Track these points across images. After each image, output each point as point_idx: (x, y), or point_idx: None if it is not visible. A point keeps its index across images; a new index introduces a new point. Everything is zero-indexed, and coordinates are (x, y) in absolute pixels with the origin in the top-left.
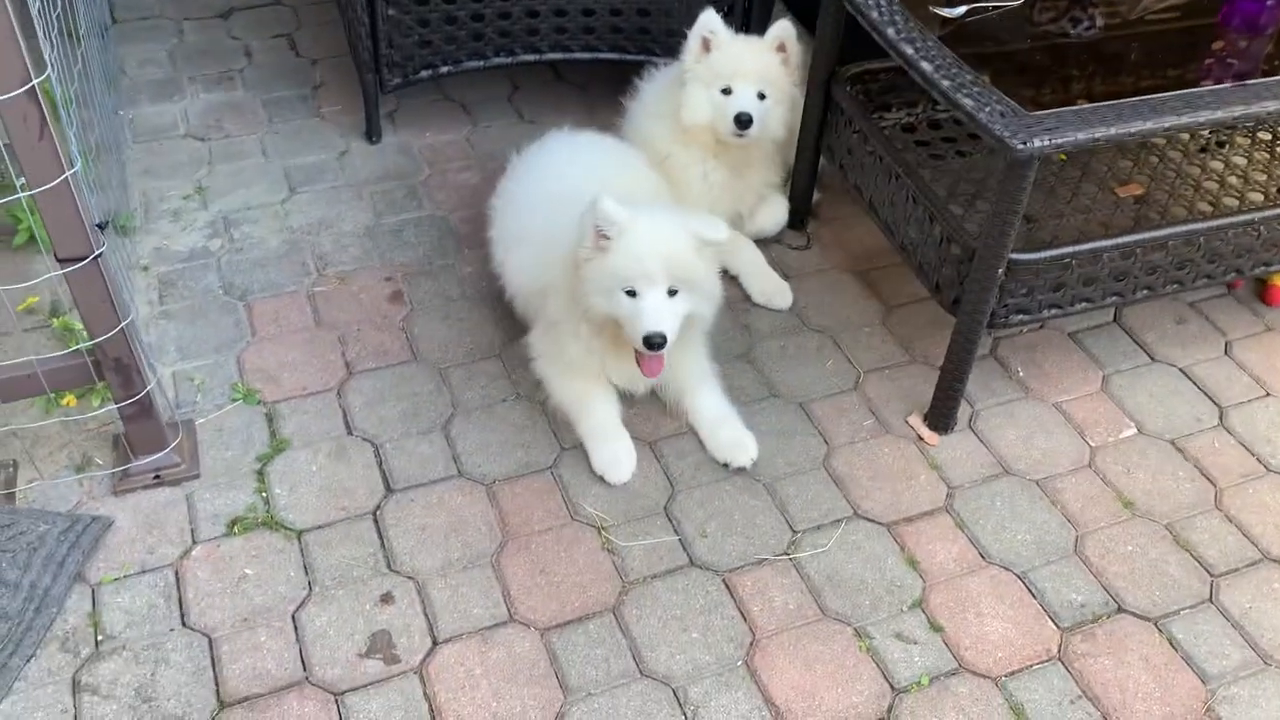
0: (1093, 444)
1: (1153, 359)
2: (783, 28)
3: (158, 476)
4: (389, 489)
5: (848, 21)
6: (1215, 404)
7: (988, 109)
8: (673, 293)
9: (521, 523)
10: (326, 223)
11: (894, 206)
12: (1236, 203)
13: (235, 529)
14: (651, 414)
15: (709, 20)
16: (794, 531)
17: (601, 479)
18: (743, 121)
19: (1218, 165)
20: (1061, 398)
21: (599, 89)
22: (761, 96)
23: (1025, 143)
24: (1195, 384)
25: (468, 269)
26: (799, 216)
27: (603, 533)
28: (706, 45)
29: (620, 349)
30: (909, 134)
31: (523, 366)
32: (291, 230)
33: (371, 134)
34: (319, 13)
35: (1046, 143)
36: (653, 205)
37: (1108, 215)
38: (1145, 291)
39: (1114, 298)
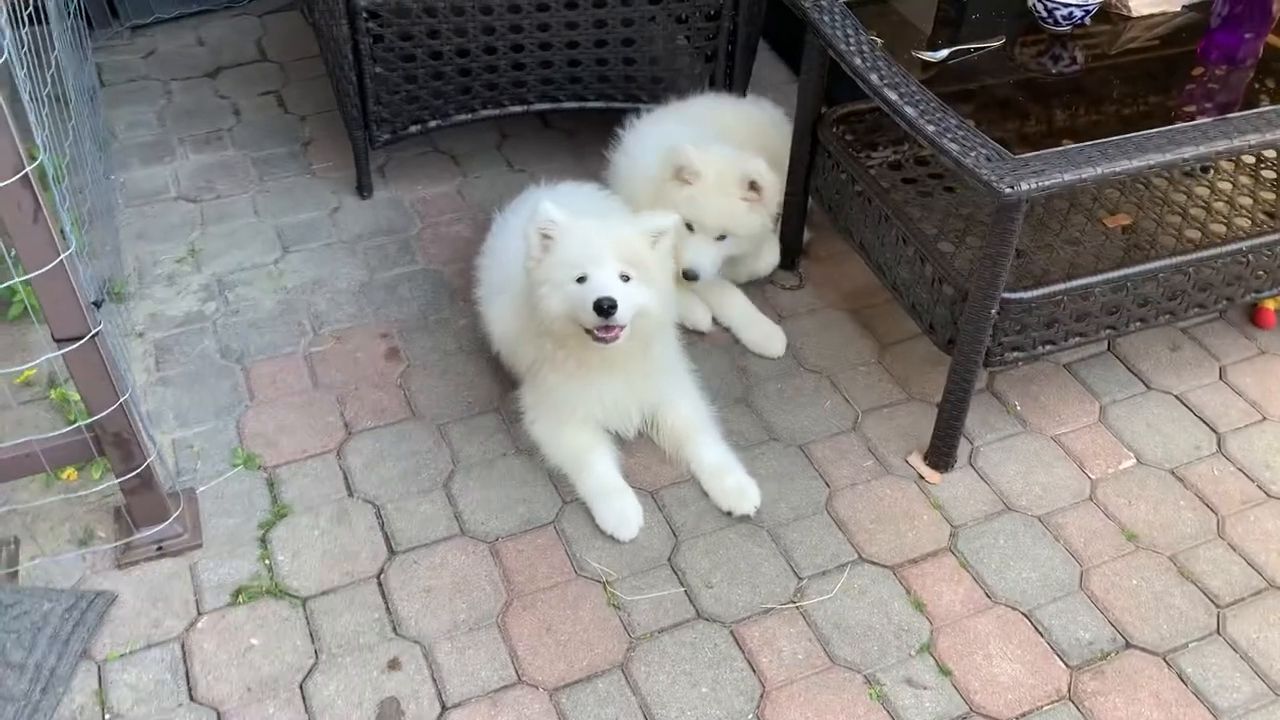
0: (1093, 476)
1: (1148, 387)
2: (754, 167)
3: (160, 548)
4: (392, 551)
5: (831, 64)
6: (1213, 430)
7: (973, 154)
8: (625, 279)
9: (526, 580)
10: (321, 281)
11: (884, 247)
12: (1224, 229)
13: (240, 598)
14: (650, 462)
15: (682, 151)
16: (799, 579)
17: (611, 538)
18: (690, 277)
19: (1203, 191)
20: (1059, 430)
21: (587, 134)
22: (722, 238)
23: (1013, 187)
24: (1192, 411)
25: (463, 322)
26: (790, 256)
27: (608, 588)
28: (682, 176)
29: (600, 373)
30: (896, 171)
31: (521, 418)
32: (286, 290)
33: (362, 189)
34: (306, 69)
35: (1034, 186)
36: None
37: (1098, 247)
38: (1138, 323)
39: (1107, 330)
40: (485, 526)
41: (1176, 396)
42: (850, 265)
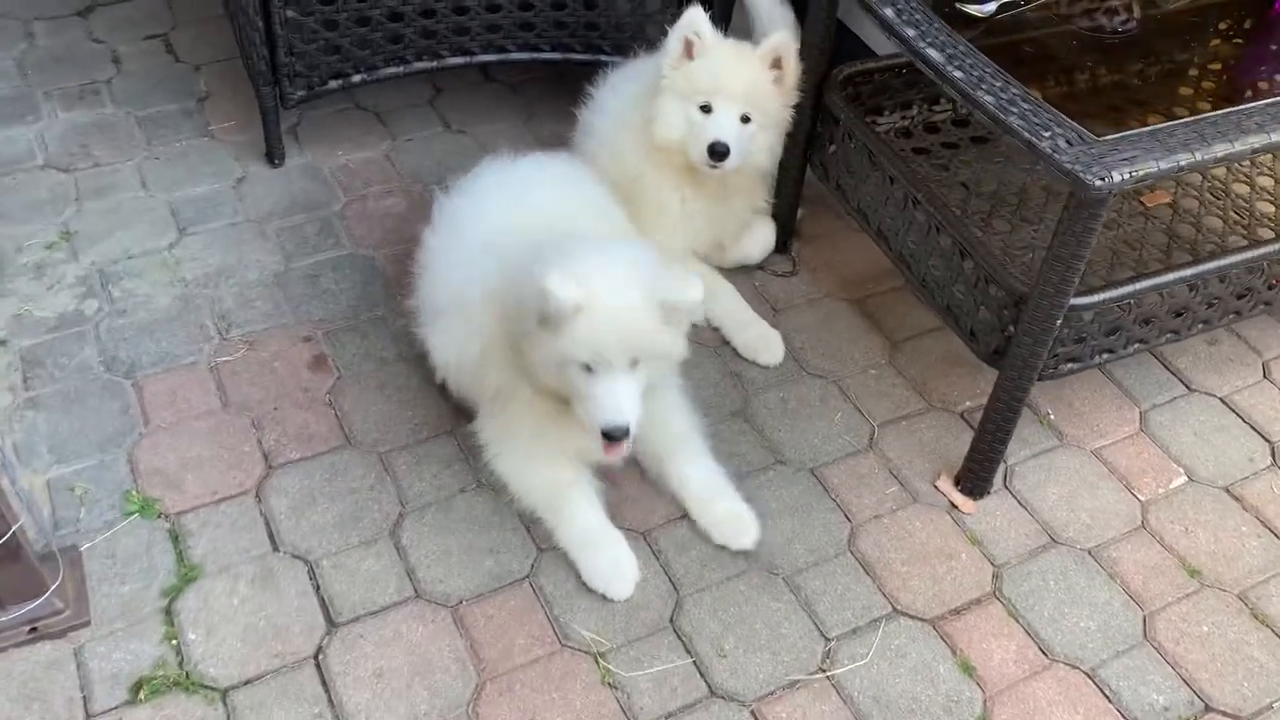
0: (1142, 498)
1: (1189, 388)
2: (781, 40)
3: (34, 629)
4: (331, 623)
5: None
6: (1264, 439)
7: (1049, 136)
8: (634, 363)
9: (500, 655)
10: (226, 271)
11: (909, 236)
12: (1272, 208)
13: (141, 694)
14: (640, 496)
15: (695, 19)
16: (826, 639)
17: (602, 596)
18: (717, 152)
19: (1241, 165)
20: (1099, 442)
21: (535, 89)
22: (746, 119)
23: (1103, 178)
24: (1240, 416)
25: (402, 321)
26: (783, 238)
27: (600, 661)
28: (689, 50)
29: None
30: (905, 139)
31: (482, 452)
32: (184, 283)
33: (273, 155)
34: (199, 6)
35: (1127, 175)
36: (610, 258)
37: (1139, 231)
38: (1201, 325)
39: (1169, 335)
40: (445, 585)
41: (1221, 399)
42: (847, 244)
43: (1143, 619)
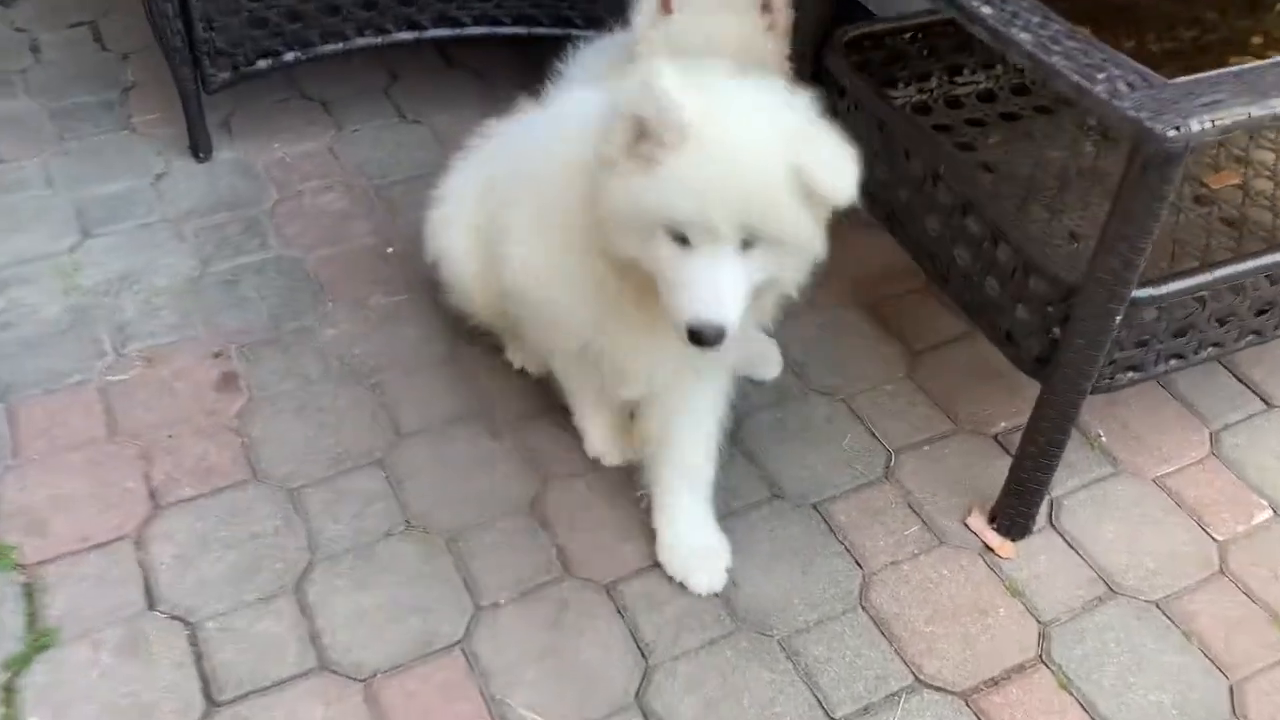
0: (1219, 537)
1: (1268, 404)
2: None
3: None
4: (212, 702)
5: None
6: None
7: (1104, 79)
8: (746, 244)
9: None
10: (131, 277)
11: (929, 220)
12: None
13: None
14: (601, 541)
15: None
16: (832, 719)
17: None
18: None
19: None
20: (1163, 469)
21: (502, 73)
22: None
23: (1178, 128)
24: None
25: (331, 331)
26: None
27: None
28: (666, 4)
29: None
30: (924, 115)
31: (415, 477)
32: (81, 291)
33: (198, 149)
34: None
35: (1208, 124)
36: (752, 90)
37: (1202, 217)
38: None
39: (1251, 337)
40: (356, 653)
41: None
42: (855, 238)
43: (1229, 689)
